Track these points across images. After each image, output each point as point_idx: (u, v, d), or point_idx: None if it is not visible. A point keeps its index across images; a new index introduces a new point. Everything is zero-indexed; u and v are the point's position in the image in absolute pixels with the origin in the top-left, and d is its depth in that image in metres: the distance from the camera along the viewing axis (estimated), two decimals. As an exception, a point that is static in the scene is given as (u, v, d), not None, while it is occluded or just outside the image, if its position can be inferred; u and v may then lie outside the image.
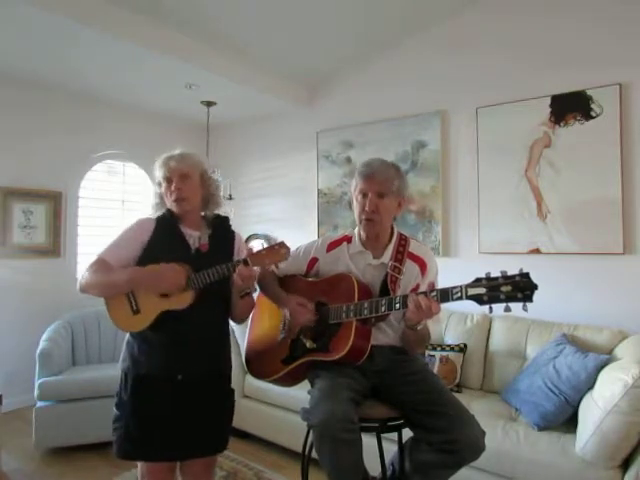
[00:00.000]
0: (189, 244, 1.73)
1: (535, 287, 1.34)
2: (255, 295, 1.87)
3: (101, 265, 1.66)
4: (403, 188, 1.76)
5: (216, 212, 1.85)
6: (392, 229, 1.80)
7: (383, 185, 1.69)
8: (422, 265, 1.74)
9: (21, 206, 3.81)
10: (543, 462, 2.01)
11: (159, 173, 1.76)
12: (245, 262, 1.58)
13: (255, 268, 1.64)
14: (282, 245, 1.61)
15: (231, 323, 1.86)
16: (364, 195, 1.71)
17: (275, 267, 1.91)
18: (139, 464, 1.74)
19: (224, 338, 1.81)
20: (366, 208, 1.69)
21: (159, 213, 1.80)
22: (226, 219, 1.88)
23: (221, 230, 1.82)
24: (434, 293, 1.49)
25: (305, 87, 4.36)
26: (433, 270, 1.77)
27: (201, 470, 1.77)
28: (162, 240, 1.72)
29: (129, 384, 1.66)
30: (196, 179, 1.76)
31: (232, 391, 1.82)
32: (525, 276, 1.36)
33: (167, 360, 1.65)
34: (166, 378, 1.65)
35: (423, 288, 1.68)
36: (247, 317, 1.88)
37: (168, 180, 1.73)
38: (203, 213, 1.83)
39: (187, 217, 1.77)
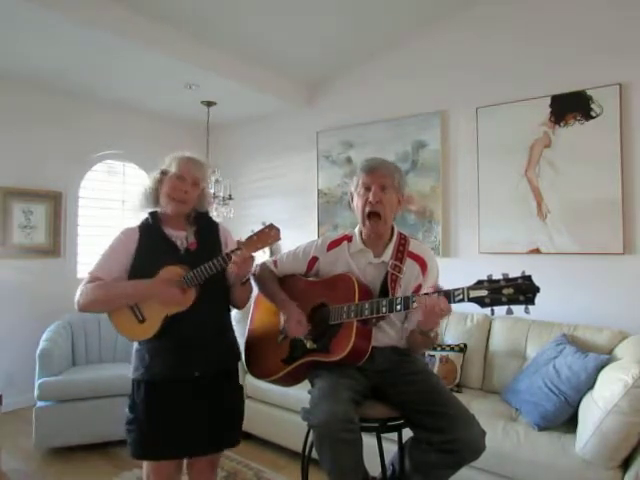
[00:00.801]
0: (177, 245, 1.74)
1: (537, 290, 1.33)
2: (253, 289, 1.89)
3: (96, 282, 1.67)
4: (402, 185, 1.77)
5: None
6: (392, 228, 1.80)
7: (385, 178, 1.71)
8: (422, 264, 1.74)
9: (21, 206, 3.81)
10: (543, 462, 2.01)
11: (173, 167, 1.76)
12: (239, 249, 1.60)
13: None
14: (272, 227, 1.63)
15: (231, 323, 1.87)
16: (367, 188, 1.71)
17: (274, 266, 1.91)
18: (144, 462, 1.75)
19: (228, 331, 1.83)
20: (370, 199, 1.69)
21: (147, 203, 1.79)
22: (206, 213, 1.89)
23: (204, 225, 1.84)
24: (435, 295, 1.48)
25: (305, 87, 4.36)
26: (434, 270, 1.77)
27: (206, 467, 1.80)
28: (149, 246, 1.72)
29: (142, 390, 1.68)
30: (199, 190, 1.80)
31: (240, 387, 1.85)
32: (527, 279, 1.35)
33: (179, 361, 1.66)
34: (179, 379, 1.66)
35: (426, 288, 1.68)
36: (248, 302, 1.88)
37: (180, 178, 1.73)
38: (187, 216, 1.82)
39: (172, 219, 1.77)
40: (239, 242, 1.61)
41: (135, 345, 1.74)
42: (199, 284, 1.64)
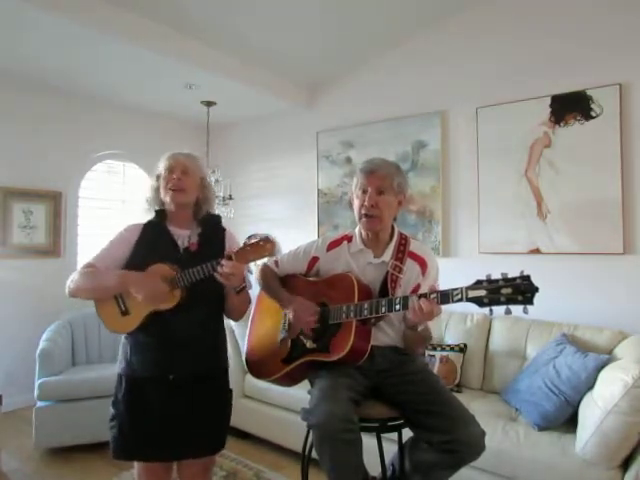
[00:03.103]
0: (177, 244, 1.73)
1: (536, 290, 1.33)
2: (252, 292, 1.86)
3: (89, 269, 1.68)
4: (404, 187, 1.76)
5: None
6: (393, 228, 1.80)
7: (383, 181, 1.70)
8: (423, 264, 1.74)
9: (21, 206, 3.81)
10: (543, 462, 2.01)
11: (162, 164, 1.77)
12: (229, 259, 1.56)
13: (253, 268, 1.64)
14: (267, 240, 1.58)
15: (231, 322, 1.86)
16: (364, 191, 1.71)
17: (275, 266, 1.91)
18: (135, 464, 1.74)
19: (217, 336, 1.80)
20: (365, 203, 1.69)
21: (152, 209, 1.79)
22: (217, 217, 1.88)
23: (212, 228, 1.82)
24: (434, 295, 1.49)
25: (305, 87, 4.36)
26: (434, 270, 1.77)
27: (199, 472, 1.76)
28: (149, 241, 1.72)
29: (123, 384, 1.67)
30: (196, 179, 1.78)
31: (229, 390, 1.81)
32: (526, 279, 1.35)
33: (159, 360, 1.65)
34: (159, 378, 1.65)
35: (424, 288, 1.68)
36: (244, 314, 1.86)
37: (170, 170, 1.73)
38: (194, 213, 1.81)
39: (177, 216, 1.76)
40: (231, 252, 1.57)
41: (122, 339, 1.74)
42: (186, 286, 1.61)
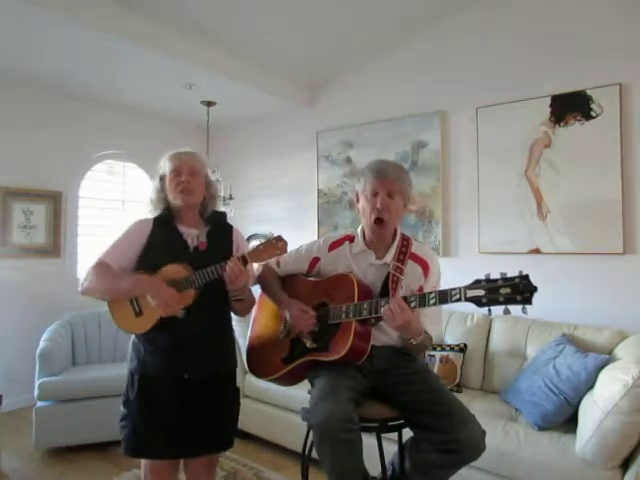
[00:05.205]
0: (187, 243, 1.74)
1: (534, 289, 1.33)
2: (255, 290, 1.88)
3: (103, 268, 1.67)
4: (409, 190, 1.76)
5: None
6: (395, 229, 1.80)
7: (394, 185, 1.69)
8: (424, 266, 1.74)
9: (21, 206, 3.81)
10: (543, 462, 2.01)
11: (167, 165, 1.76)
12: (244, 259, 1.58)
13: (255, 266, 1.64)
14: (279, 239, 1.62)
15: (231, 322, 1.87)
16: (375, 194, 1.70)
17: (277, 266, 1.92)
18: (142, 462, 1.75)
19: (228, 335, 1.82)
20: (377, 206, 1.68)
21: (157, 210, 1.79)
22: (223, 214, 1.90)
23: (218, 226, 1.83)
24: (433, 295, 1.49)
25: (305, 87, 4.36)
26: (436, 272, 1.77)
27: (203, 467, 1.79)
28: (160, 240, 1.72)
29: (136, 384, 1.68)
30: (202, 178, 1.79)
31: (237, 389, 1.84)
32: (524, 278, 1.34)
33: (172, 360, 1.66)
34: (172, 378, 1.66)
35: (426, 290, 1.68)
36: (249, 312, 1.88)
37: (177, 172, 1.73)
38: (200, 211, 1.83)
39: (185, 215, 1.77)
40: (244, 253, 1.59)
41: (132, 337, 1.75)
42: (198, 287, 1.63)
